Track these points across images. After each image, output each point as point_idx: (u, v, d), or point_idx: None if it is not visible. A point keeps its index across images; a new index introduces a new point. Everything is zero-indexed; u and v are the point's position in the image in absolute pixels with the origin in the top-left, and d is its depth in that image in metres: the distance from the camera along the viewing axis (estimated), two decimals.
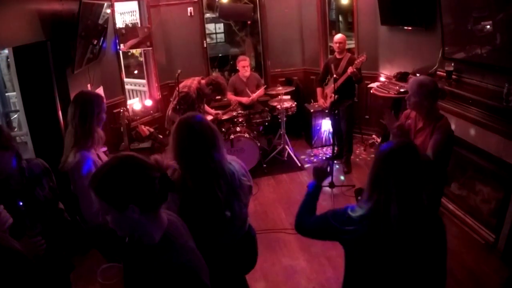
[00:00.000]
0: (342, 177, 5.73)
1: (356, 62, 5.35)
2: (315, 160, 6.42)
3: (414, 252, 1.83)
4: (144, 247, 1.60)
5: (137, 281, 1.62)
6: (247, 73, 6.42)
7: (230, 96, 6.39)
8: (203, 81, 5.16)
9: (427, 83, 3.05)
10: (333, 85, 5.59)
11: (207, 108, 5.81)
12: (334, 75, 5.36)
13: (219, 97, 5.68)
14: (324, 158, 6.40)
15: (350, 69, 5.35)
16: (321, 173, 2.32)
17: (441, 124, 3.03)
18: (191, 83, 5.12)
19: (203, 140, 2.26)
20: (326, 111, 6.14)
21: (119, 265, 1.86)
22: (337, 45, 5.70)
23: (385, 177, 1.81)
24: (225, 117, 5.94)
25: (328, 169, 2.34)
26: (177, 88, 4.98)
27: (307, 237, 2.24)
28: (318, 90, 6.15)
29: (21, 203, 2.29)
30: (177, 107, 4.93)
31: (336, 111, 5.59)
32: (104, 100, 2.85)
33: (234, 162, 2.46)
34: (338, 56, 5.76)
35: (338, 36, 5.75)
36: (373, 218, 1.83)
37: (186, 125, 2.29)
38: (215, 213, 2.31)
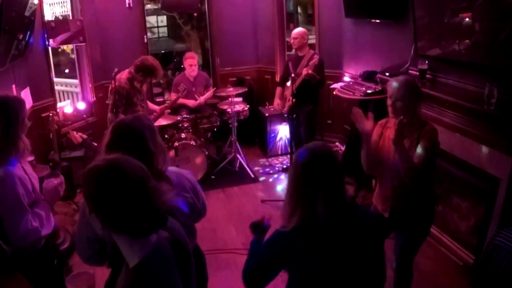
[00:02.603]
0: None
1: (309, 64, 5.30)
2: (271, 172, 6.32)
3: (346, 252, 1.97)
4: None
5: None
6: (194, 73, 6.38)
7: (174, 97, 6.24)
8: (132, 70, 5.15)
9: (412, 82, 2.98)
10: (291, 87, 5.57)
11: (150, 104, 5.77)
12: (292, 75, 5.27)
13: (154, 80, 5.83)
14: (277, 168, 6.37)
15: (304, 71, 5.27)
16: (259, 228, 2.30)
17: (427, 130, 2.92)
18: (120, 75, 5.09)
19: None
20: (285, 115, 6.11)
21: (90, 272, 1.98)
22: (292, 41, 5.67)
23: (311, 182, 1.91)
24: (166, 122, 5.77)
25: (266, 222, 2.33)
26: (110, 86, 5.00)
27: None
28: (278, 89, 6.11)
29: None
30: (114, 106, 4.92)
31: (294, 115, 5.54)
32: (26, 103, 2.82)
33: (176, 174, 2.37)
34: (299, 54, 5.70)
35: (295, 31, 5.69)
36: (305, 226, 1.93)
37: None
38: None
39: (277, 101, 6.01)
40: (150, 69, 5.02)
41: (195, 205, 2.45)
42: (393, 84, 2.96)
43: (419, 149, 2.86)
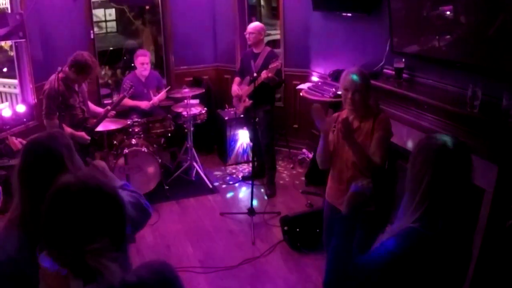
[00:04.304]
0: (264, 202, 5.65)
1: (270, 67, 5.24)
2: (231, 182, 6.27)
3: None
4: None
5: None
6: (146, 72, 6.33)
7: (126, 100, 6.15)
8: (66, 67, 4.96)
9: (366, 72, 3.29)
10: (247, 87, 5.55)
11: (93, 106, 5.57)
12: (255, 74, 5.16)
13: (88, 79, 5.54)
14: (240, 178, 6.33)
15: (264, 74, 5.21)
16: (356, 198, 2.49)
17: (381, 119, 3.23)
18: (55, 75, 4.89)
19: None
20: (241, 116, 6.13)
21: None
22: (248, 35, 5.63)
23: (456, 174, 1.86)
24: (114, 126, 5.55)
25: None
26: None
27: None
28: (236, 78, 6.03)
29: None
30: (49, 111, 4.79)
31: (257, 118, 5.42)
32: None
33: None
34: (254, 50, 5.65)
35: (251, 25, 5.66)
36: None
37: None
38: None
39: (235, 87, 5.88)
40: (83, 65, 4.81)
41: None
42: (351, 76, 3.17)
43: (375, 140, 3.15)
